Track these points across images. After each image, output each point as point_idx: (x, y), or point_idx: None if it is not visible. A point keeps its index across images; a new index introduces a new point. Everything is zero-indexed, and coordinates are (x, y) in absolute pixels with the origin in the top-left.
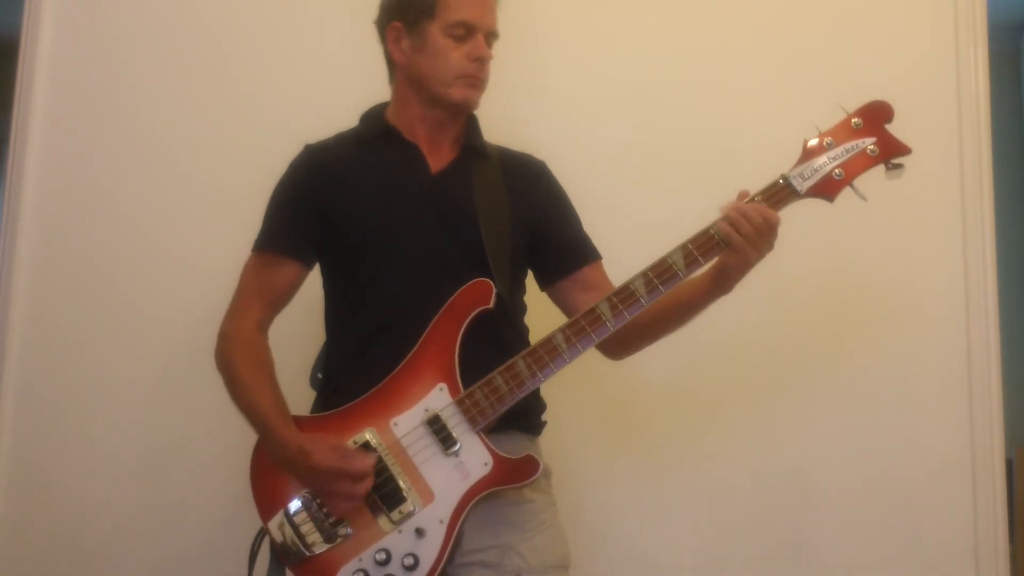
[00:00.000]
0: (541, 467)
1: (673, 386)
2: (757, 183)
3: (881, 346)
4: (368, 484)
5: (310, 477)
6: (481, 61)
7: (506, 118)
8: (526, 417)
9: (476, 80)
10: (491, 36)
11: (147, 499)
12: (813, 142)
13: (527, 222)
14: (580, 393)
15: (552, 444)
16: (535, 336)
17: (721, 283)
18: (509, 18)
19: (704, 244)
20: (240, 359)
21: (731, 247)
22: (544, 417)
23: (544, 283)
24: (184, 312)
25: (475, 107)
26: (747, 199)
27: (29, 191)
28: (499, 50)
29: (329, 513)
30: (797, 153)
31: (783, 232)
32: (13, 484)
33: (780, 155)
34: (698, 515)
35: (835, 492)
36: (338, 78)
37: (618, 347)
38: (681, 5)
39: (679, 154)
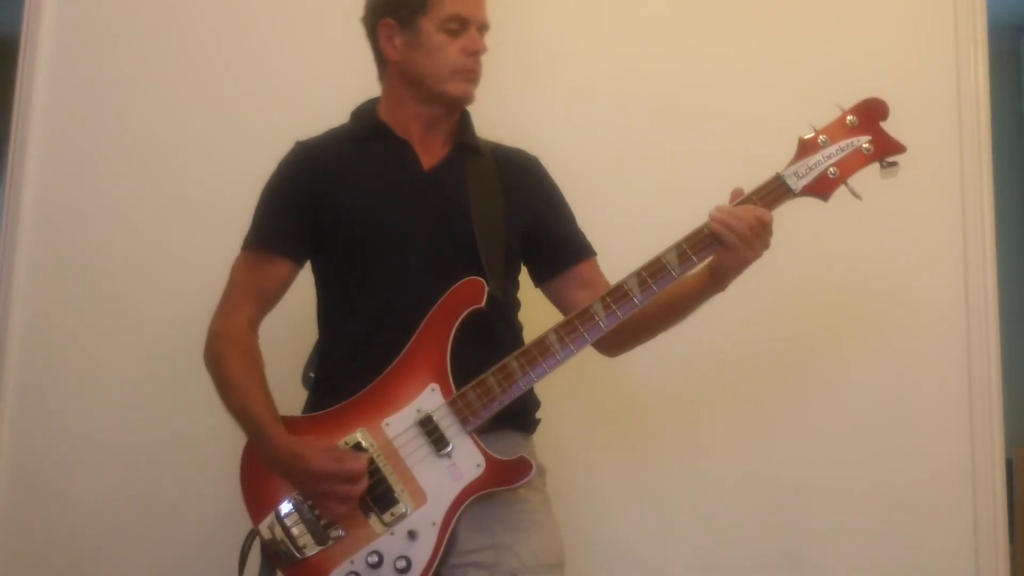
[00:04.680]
0: (535, 468)
1: (669, 387)
2: (755, 182)
3: (880, 346)
4: (363, 485)
5: (303, 481)
6: (477, 55)
7: (502, 116)
8: (520, 415)
9: (473, 74)
10: (483, 28)
11: (146, 499)
12: (808, 139)
13: (521, 219)
14: (576, 392)
15: (547, 443)
16: (529, 333)
17: (716, 281)
18: (507, 17)
19: (698, 243)
20: (231, 359)
21: (725, 246)
22: (538, 415)
23: (538, 280)
24: (184, 312)
25: (472, 101)
26: (740, 199)
27: (29, 191)
28: (495, 48)
29: (321, 516)
30: (795, 152)
31: (781, 232)
32: (13, 484)
33: (779, 155)
34: (693, 517)
35: (834, 492)
36: (337, 78)
37: (613, 344)
38: (679, 4)
39: (676, 152)
